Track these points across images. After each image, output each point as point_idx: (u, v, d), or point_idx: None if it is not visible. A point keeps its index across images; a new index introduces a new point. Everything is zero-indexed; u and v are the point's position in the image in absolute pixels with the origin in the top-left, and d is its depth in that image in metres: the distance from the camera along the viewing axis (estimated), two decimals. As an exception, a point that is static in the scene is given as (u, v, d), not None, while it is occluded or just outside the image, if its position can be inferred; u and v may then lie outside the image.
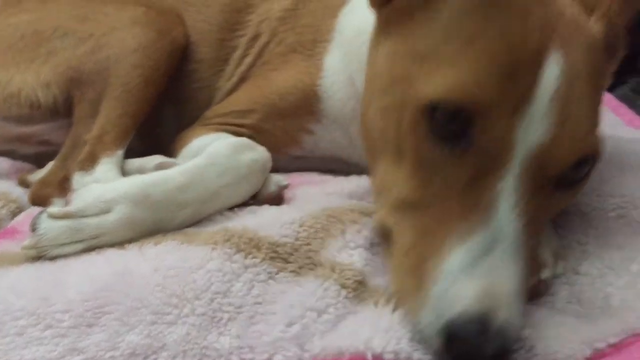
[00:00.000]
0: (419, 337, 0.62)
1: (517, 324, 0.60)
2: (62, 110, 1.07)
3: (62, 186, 0.96)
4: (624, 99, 1.26)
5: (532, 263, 0.68)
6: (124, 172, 1.01)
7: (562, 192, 0.69)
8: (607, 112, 1.21)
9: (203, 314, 0.67)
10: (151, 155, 1.02)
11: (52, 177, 0.98)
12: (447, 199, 0.65)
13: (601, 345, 0.63)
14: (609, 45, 0.74)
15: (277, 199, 0.91)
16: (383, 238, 0.73)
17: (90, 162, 0.96)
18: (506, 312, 0.59)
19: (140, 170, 0.97)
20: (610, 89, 0.84)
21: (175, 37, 1.13)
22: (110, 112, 1.01)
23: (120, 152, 0.99)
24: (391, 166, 0.71)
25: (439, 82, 0.65)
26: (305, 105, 1.03)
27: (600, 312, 0.69)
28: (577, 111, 0.65)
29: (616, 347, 0.63)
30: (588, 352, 0.63)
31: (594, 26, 0.72)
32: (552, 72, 0.64)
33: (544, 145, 0.63)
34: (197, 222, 0.84)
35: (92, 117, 1.02)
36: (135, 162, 1.01)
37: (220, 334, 0.65)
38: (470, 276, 0.60)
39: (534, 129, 0.63)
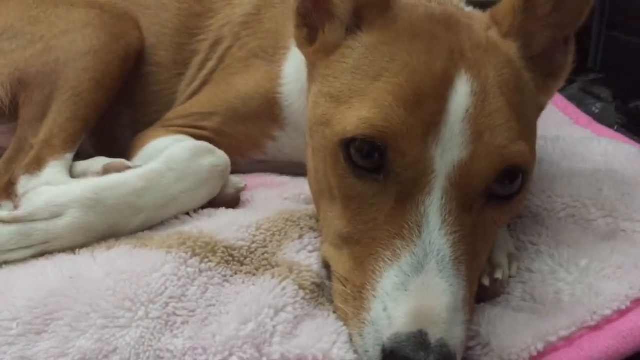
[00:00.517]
0: None
1: (457, 336, 0.62)
2: (8, 113, 1.03)
3: (7, 190, 0.93)
4: (572, 98, 1.30)
5: (477, 272, 0.70)
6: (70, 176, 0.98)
7: (497, 206, 0.70)
8: (555, 112, 1.26)
9: (158, 317, 0.66)
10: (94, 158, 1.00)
11: (-4, 181, 0.95)
12: (375, 227, 0.67)
13: (553, 338, 0.65)
14: (534, 57, 0.77)
15: (234, 201, 0.90)
16: (327, 269, 0.75)
17: (36, 166, 0.93)
18: (442, 326, 0.61)
19: (85, 173, 0.94)
20: (560, 89, 0.87)
21: (129, 41, 1.11)
22: (58, 116, 0.98)
23: (68, 156, 0.96)
24: (328, 205, 0.74)
25: (349, 120, 0.68)
26: (267, 111, 1.02)
27: (551, 307, 0.71)
28: (492, 126, 0.67)
29: (567, 340, 0.65)
30: (541, 346, 0.65)
31: (506, 45, 0.75)
32: (461, 93, 0.67)
33: (463, 162, 0.66)
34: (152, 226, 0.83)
35: (38, 120, 0.98)
36: (80, 165, 0.98)
37: (174, 336, 0.65)
38: (403, 296, 0.62)
39: (450, 147, 0.66)
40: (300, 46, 0.82)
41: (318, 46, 0.78)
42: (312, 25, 0.79)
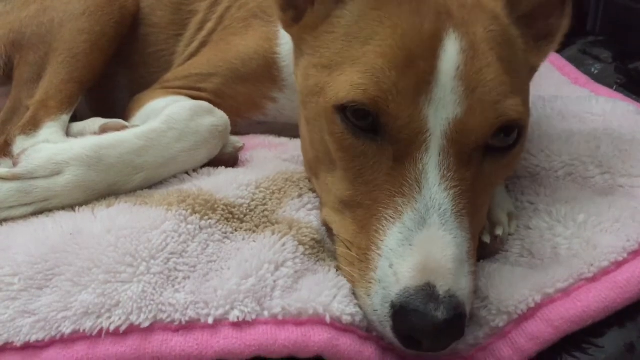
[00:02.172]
0: (374, 319, 0.65)
1: (465, 287, 0.63)
2: (2, 75, 1.03)
3: (3, 151, 0.93)
4: (572, 59, 1.30)
5: (478, 227, 0.71)
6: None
7: (495, 159, 0.71)
8: (553, 72, 1.26)
9: (159, 273, 0.66)
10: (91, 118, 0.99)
11: (-8, 142, 0.95)
12: (376, 188, 0.68)
13: (550, 290, 0.66)
14: (525, 16, 0.76)
15: (232, 160, 0.90)
16: (328, 231, 0.76)
17: (33, 127, 0.93)
18: (449, 278, 0.61)
19: (82, 134, 0.94)
20: (559, 50, 0.87)
21: (124, 2, 1.10)
22: (54, 77, 0.98)
23: (65, 117, 0.96)
24: (327, 172, 0.74)
25: (342, 86, 0.68)
26: (267, 73, 1.02)
27: (549, 261, 0.71)
28: (484, 81, 0.67)
29: (565, 292, 0.66)
30: (538, 298, 0.66)
31: (492, 2, 0.75)
32: (451, 51, 0.67)
33: (458, 118, 0.66)
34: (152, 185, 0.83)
35: (34, 81, 0.98)
36: (76, 126, 0.98)
37: (176, 291, 0.65)
38: (408, 251, 0.63)
39: (443, 105, 0.66)
40: (286, 27, 0.82)
41: (305, 22, 0.78)
42: (296, 5, 0.79)
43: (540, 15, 0.79)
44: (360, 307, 0.66)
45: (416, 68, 0.66)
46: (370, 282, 0.65)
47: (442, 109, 0.66)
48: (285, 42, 1.00)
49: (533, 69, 0.81)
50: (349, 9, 0.74)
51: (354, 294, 0.67)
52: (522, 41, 0.76)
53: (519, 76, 0.73)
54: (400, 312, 0.61)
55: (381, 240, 0.65)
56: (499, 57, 0.69)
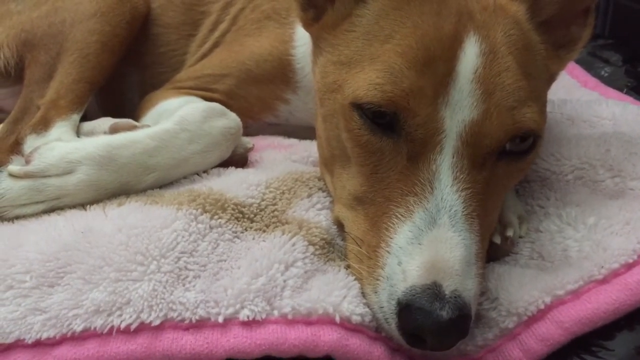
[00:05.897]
0: (380, 316, 0.65)
1: (471, 288, 0.63)
2: (13, 74, 1.03)
3: (13, 151, 0.93)
4: (582, 62, 1.31)
5: (488, 230, 0.71)
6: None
7: (509, 163, 0.71)
8: (562, 74, 1.25)
9: (170, 271, 0.66)
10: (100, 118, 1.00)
11: (3, 141, 0.95)
12: (389, 186, 0.68)
13: (560, 292, 0.66)
14: (546, 23, 0.77)
15: (242, 161, 0.91)
16: (340, 228, 0.76)
17: (43, 126, 0.93)
18: (456, 278, 0.62)
19: (93, 134, 0.94)
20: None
21: (135, 3, 1.11)
22: (65, 77, 0.98)
23: (75, 117, 0.96)
24: (342, 168, 0.75)
25: (360, 83, 0.68)
26: (280, 74, 1.02)
27: (559, 263, 0.71)
28: (502, 85, 0.67)
29: (575, 294, 0.66)
30: (548, 300, 0.66)
31: (514, 6, 0.75)
32: (470, 54, 0.68)
33: (474, 121, 0.66)
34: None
35: (45, 81, 0.98)
36: (86, 126, 0.98)
37: (187, 289, 0.65)
38: (417, 250, 0.63)
39: (460, 108, 0.66)
40: (306, 26, 0.82)
41: (325, 21, 0.78)
42: (317, 4, 0.79)
43: (562, 23, 0.79)
44: (368, 305, 0.66)
45: (435, 69, 0.66)
46: (378, 279, 0.65)
47: (459, 111, 0.66)
48: (300, 44, 1.00)
49: (552, 77, 0.81)
50: (369, 8, 0.74)
51: (362, 293, 0.68)
52: (542, 47, 0.76)
53: (537, 82, 0.74)
54: (406, 309, 0.61)
55: (391, 238, 0.65)
56: (518, 61, 0.69)
